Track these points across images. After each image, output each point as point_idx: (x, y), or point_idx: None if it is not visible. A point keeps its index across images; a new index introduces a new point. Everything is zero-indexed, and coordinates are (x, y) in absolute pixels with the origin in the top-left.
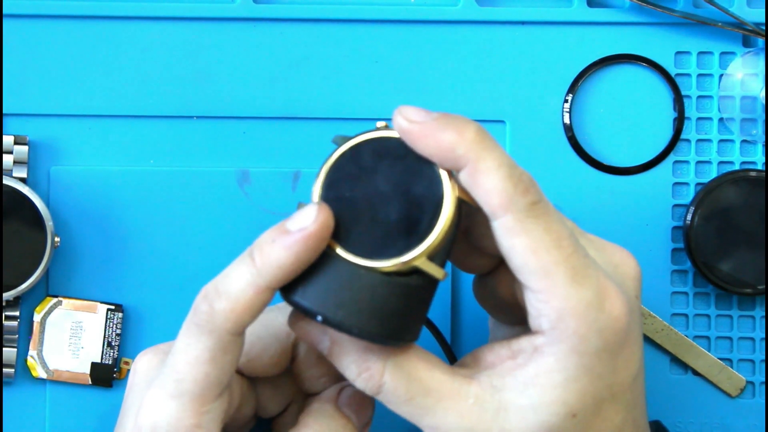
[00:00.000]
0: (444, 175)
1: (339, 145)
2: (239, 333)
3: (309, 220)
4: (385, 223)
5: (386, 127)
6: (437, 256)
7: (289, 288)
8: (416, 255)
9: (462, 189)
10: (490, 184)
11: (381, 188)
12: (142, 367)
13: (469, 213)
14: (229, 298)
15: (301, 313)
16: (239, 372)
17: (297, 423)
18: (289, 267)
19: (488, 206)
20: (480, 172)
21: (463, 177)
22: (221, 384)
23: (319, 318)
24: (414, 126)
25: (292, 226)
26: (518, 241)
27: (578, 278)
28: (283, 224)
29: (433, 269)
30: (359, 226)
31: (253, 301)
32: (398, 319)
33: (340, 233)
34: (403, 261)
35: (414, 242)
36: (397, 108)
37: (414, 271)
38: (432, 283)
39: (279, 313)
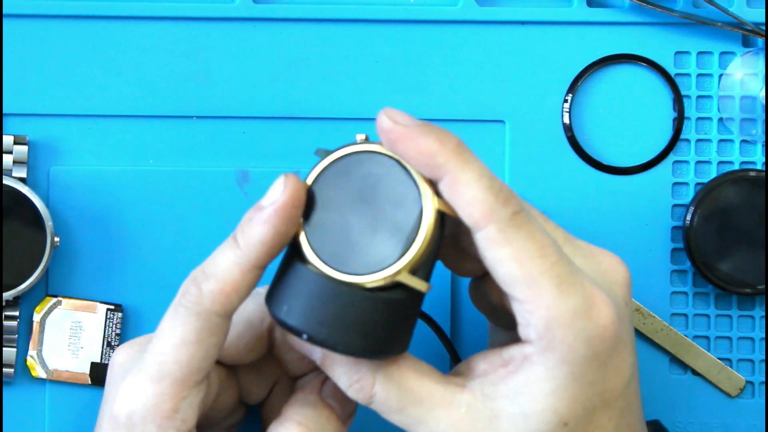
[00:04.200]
0: (424, 187)
1: (321, 158)
2: (227, 315)
3: (278, 191)
4: (366, 238)
5: (367, 140)
6: (420, 269)
7: (275, 305)
8: (398, 270)
9: (442, 201)
10: (471, 194)
11: (362, 203)
12: (118, 360)
13: (456, 220)
14: (216, 280)
15: (287, 331)
16: (216, 361)
17: (280, 413)
18: (270, 241)
19: (470, 218)
20: (460, 182)
21: (443, 188)
22: (203, 369)
23: (305, 336)
24: (398, 127)
25: (265, 201)
26: (501, 251)
27: (564, 287)
28: (258, 203)
29: (416, 283)
30: (341, 242)
31: (240, 281)
32: (383, 334)
33: (322, 249)
34: (385, 276)
35: (395, 257)
36: (382, 109)
37: (397, 285)
38: (417, 295)
39: (251, 300)
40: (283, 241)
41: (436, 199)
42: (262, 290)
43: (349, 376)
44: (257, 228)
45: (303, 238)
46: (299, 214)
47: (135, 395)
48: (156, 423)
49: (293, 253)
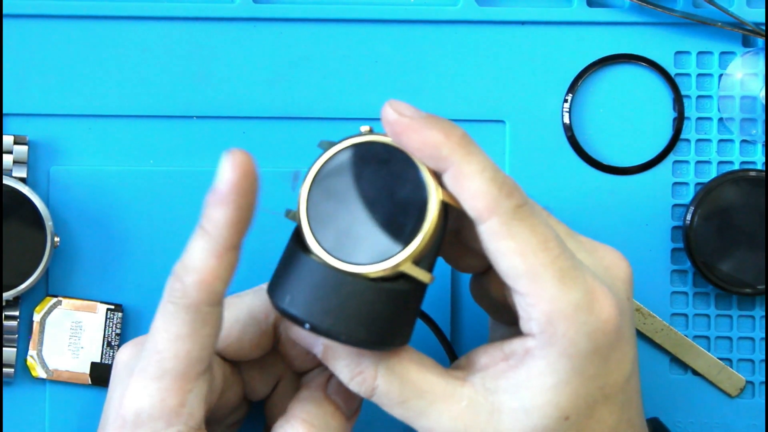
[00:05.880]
0: (428, 178)
1: (324, 150)
2: (216, 303)
3: (228, 170)
4: (370, 229)
5: (371, 132)
6: (424, 260)
7: (277, 295)
8: (401, 260)
9: (446, 192)
10: (474, 187)
11: (366, 193)
12: (122, 358)
13: (459, 214)
14: (195, 270)
15: (290, 320)
16: (221, 356)
17: (286, 410)
18: (235, 220)
19: (474, 210)
20: (464, 175)
21: (447, 180)
22: (203, 361)
23: (307, 326)
24: (403, 119)
25: (218, 183)
26: (504, 244)
27: (566, 280)
28: (212, 186)
29: (419, 273)
30: (345, 232)
31: (217, 266)
32: (386, 324)
33: (325, 239)
34: (389, 266)
35: (399, 247)
36: (387, 101)
37: (400, 276)
38: (420, 286)
39: (255, 296)
40: (247, 216)
41: (440, 190)
42: (265, 286)
43: (350, 368)
44: (219, 211)
45: (306, 228)
46: (254, 184)
47: (140, 394)
48: (164, 419)
49: (296, 243)
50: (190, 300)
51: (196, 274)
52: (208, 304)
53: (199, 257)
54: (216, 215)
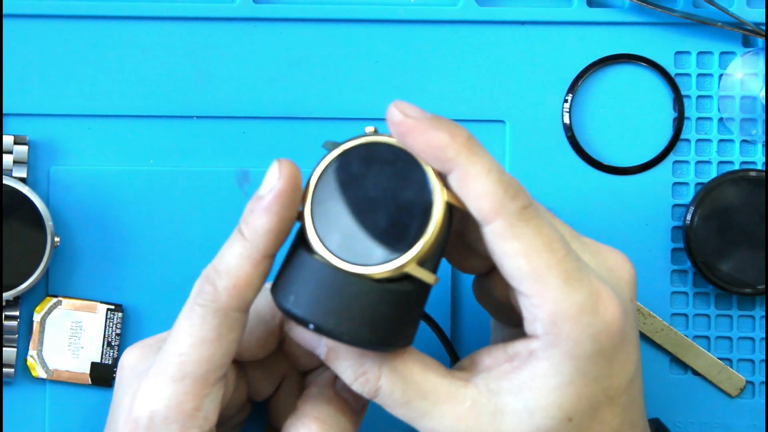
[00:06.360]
0: (433, 179)
1: (329, 150)
2: (244, 309)
3: (275, 178)
4: (374, 230)
5: (375, 132)
6: (428, 261)
7: (281, 296)
8: (406, 261)
9: (451, 193)
10: (480, 188)
11: (371, 194)
12: (129, 361)
13: (463, 216)
14: (229, 275)
15: (293, 321)
16: None
17: (296, 409)
18: (275, 229)
19: (479, 211)
20: (470, 176)
21: (452, 181)
22: (223, 366)
23: (311, 326)
24: (409, 120)
25: (263, 190)
26: (509, 245)
27: (571, 281)
28: (257, 193)
29: (424, 275)
30: (349, 233)
31: (252, 273)
32: (390, 325)
33: (330, 240)
34: (393, 267)
35: (403, 248)
36: (392, 102)
37: (405, 277)
38: (424, 288)
39: (261, 296)
40: (287, 227)
41: (445, 191)
42: (269, 285)
43: (354, 369)
44: (260, 218)
45: (310, 229)
46: (299, 197)
47: (156, 396)
48: (179, 423)
49: (300, 244)
50: (220, 305)
51: (230, 279)
52: (237, 310)
53: (234, 263)
54: (257, 222)
